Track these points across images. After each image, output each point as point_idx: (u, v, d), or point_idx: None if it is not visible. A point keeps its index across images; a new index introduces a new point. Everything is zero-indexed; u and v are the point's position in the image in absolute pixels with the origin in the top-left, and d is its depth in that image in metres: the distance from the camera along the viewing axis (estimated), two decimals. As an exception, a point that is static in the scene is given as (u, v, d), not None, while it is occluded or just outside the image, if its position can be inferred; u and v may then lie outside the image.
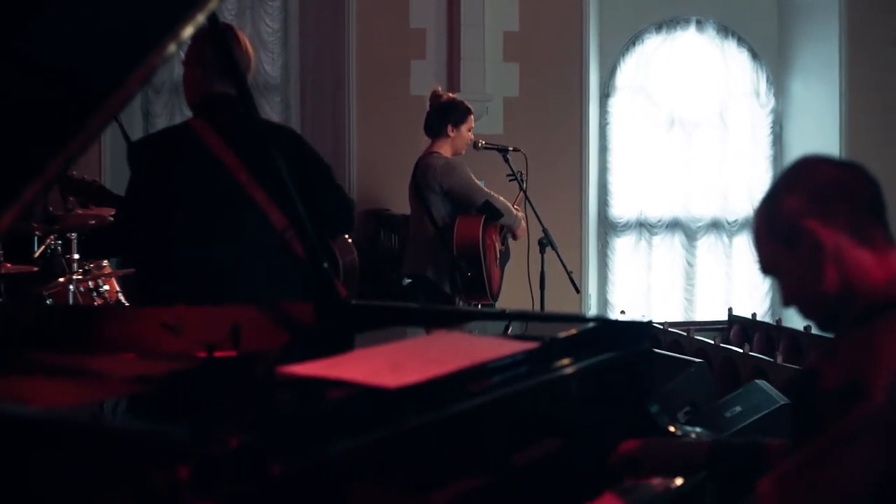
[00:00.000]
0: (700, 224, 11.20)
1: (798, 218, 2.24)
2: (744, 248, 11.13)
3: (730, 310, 9.65)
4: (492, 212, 6.29)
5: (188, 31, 2.58)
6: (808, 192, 2.26)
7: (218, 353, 2.88)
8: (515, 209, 6.63)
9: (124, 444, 1.83)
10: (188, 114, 4.49)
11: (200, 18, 2.63)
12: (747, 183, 11.19)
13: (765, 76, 11.32)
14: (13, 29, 2.50)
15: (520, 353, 2.55)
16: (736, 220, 11.25)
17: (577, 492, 2.55)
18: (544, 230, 6.51)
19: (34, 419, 2.04)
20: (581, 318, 3.03)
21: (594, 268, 10.89)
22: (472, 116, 6.50)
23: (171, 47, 2.54)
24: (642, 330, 3.04)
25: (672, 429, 2.96)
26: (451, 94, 6.64)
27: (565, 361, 2.68)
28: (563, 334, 2.77)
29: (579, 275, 10.15)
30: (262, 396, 2.20)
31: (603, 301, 11.05)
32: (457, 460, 2.26)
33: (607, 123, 11.06)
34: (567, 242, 9.64)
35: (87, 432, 1.91)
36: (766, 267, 2.34)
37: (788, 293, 2.33)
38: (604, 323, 3.02)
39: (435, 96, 6.54)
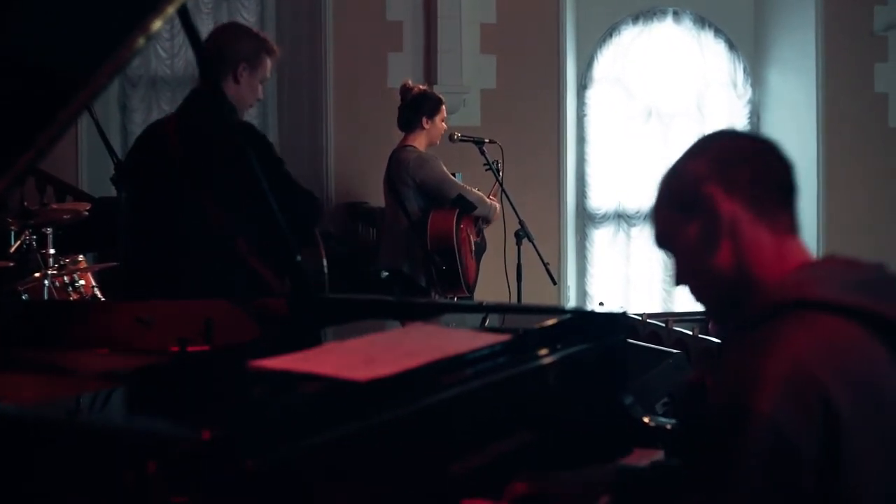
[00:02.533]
0: (678, 215, 11.20)
1: (698, 182, 2.12)
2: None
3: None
4: (465, 205, 6.30)
5: (158, 25, 2.57)
6: (712, 158, 2.14)
7: (191, 348, 2.88)
8: (491, 199, 6.62)
9: (94, 439, 1.82)
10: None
11: (170, 11, 2.62)
12: (725, 173, 11.17)
13: (742, 67, 11.33)
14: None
15: (494, 345, 2.54)
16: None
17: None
18: (521, 222, 6.51)
19: (3, 415, 2.03)
20: (556, 310, 3.02)
21: (573, 259, 10.89)
22: (444, 106, 6.51)
23: (141, 41, 2.54)
24: (617, 321, 3.03)
25: (646, 420, 2.96)
26: (420, 87, 6.64)
27: (539, 353, 2.68)
28: (536, 326, 2.77)
29: (558, 266, 10.15)
30: (234, 390, 2.19)
31: (582, 292, 11.06)
32: (430, 453, 2.25)
33: (585, 115, 11.06)
34: (545, 234, 9.65)
35: (57, 428, 1.89)
36: (661, 237, 2.23)
37: (681, 268, 2.21)
38: (579, 314, 3.00)
39: (405, 90, 6.55)
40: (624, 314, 3.08)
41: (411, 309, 3.32)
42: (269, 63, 4.59)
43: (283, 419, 1.91)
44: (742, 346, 2.03)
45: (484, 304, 3.16)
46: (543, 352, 2.70)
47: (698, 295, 2.22)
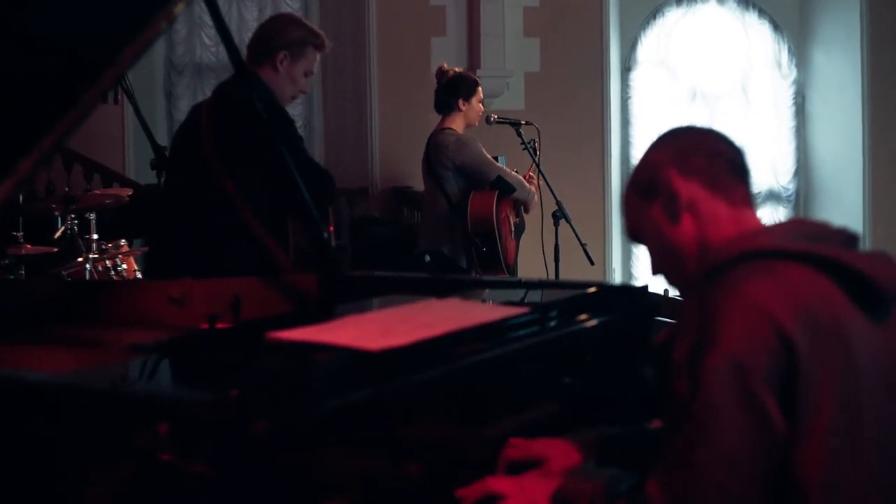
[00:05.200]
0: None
1: (656, 168, 2.30)
2: (766, 218, 11.10)
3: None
4: (504, 187, 6.31)
5: (180, 8, 2.64)
6: (670, 147, 2.32)
7: (220, 325, 2.95)
8: (529, 178, 6.64)
9: (108, 403, 1.88)
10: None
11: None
12: (770, 155, 11.15)
13: (786, 47, 11.27)
14: (13, 5, 2.57)
15: (512, 317, 2.59)
16: (759, 192, 11.20)
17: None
18: (558, 202, 6.53)
19: (28, 383, 2.10)
20: (577, 284, 3.05)
21: (618, 242, 10.89)
22: (481, 88, 6.52)
23: (163, 24, 2.61)
24: (639, 294, 3.07)
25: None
26: (456, 69, 6.64)
27: (558, 325, 2.72)
28: (556, 298, 2.80)
29: (603, 249, 10.17)
30: (250, 360, 2.25)
31: (627, 275, 11.05)
32: (444, 423, 2.30)
33: (629, 97, 11.06)
34: (590, 217, 9.67)
35: (74, 394, 1.97)
36: (631, 228, 2.39)
37: (653, 254, 2.36)
38: (600, 288, 3.03)
39: (441, 73, 6.56)
40: (645, 287, 3.11)
41: (436, 285, 3.37)
42: (314, 56, 4.60)
43: (294, 385, 1.96)
44: (699, 298, 2.15)
45: (506, 280, 3.18)
46: (563, 323, 2.74)
47: (671, 277, 2.37)
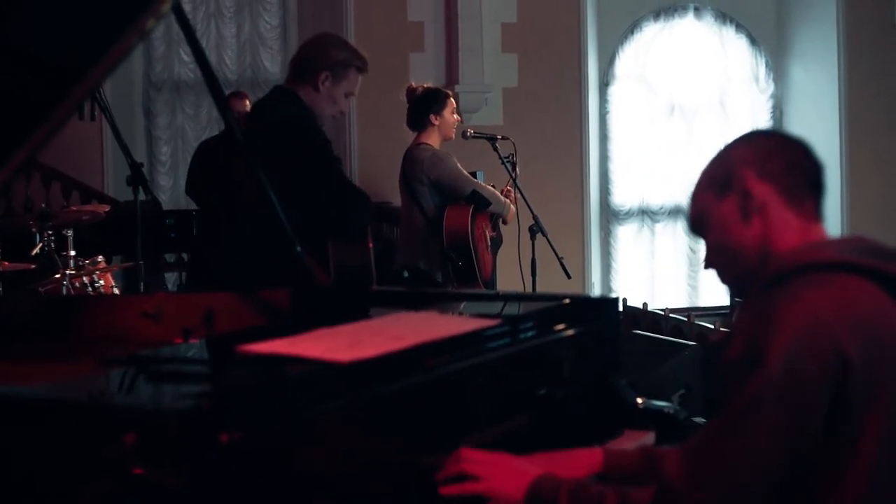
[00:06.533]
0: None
1: (736, 165, 2.28)
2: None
3: (732, 302, 9.66)
4: (480, 201, 6.32)
5: (151, 23, 2.65)
6: (751, 148, 2.31)
7: (193, 339, 2.96)
8: (507, 191, 6.66)
9: (75, 414, 1.89)
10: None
11: (164, 10, 2.70)
12: (748, 168, 11.17)
13: (764, 61, 11.35)
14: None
15: (483, 328, 2.61)
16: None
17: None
18: (535, 217, 6.54)
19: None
20: (548, 297, 3.07)
21: (597, 256, 10.93)
22: (452, 100, 6.53)
23: (135, 39, 2.62)
24: (609, 305, 3.09)
25: (639, 401, 3.01)
26: (424, 85, 6.66)
27: (528, 336, 2.74)
28: (527, 310, 2.82)
29: (582, 263, 10.20)
30: (219, 372, 2.26)
31: (607, 289, 11.08)
32: (412, 434, 2.31)
33: (607, 112, 11.11)
34: (569, 231, 9.70)
35: (43, 406, 1.97)
36: (695, 221, 2.36)
37: (711, 250, 2.35)
38: (572, 300, 3.05)
39: (410, 91, 6.57)
40: (616, 299, 3.13)
41: (411, 298, 3.38)
42: (356, 78, 4.63)
43: (262, 396, 1.97)
44: (759, 302, 2.16)
45: (480, 293, 3.20)
46: (534, 335, 2.76)
47: (724, 275, 2.37)
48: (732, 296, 2.44)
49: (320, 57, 4.55)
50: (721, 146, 2.40)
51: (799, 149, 2.32)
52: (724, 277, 2.37)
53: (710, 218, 2.32)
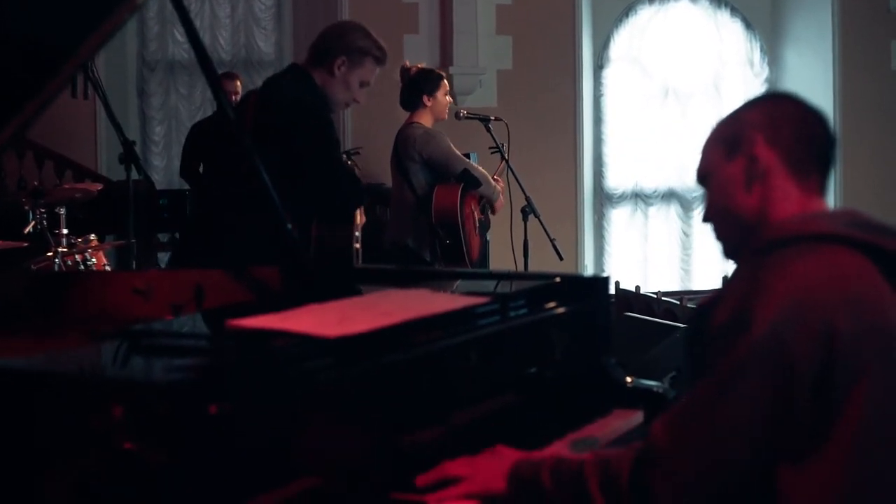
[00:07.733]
0: (695, 194, 11.21)
1: (746, 126, 2.28)
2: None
3: (724, 278, 9.67)
4: (470, 180, 6.33)
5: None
6: (766, 112, 2.29)
7: (183, 315, 2.96)
8: (495, 179, 6.67)
9: (65, 386, 1.89)
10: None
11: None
12: (742, 152, 11.17)
13: (758, 45, 11.34)
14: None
15: (473, 306, 2.61)
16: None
17: (529, 444, 2.57)
18: (527, 198, 6.56)
19: None
20: (539, 276, 3.07)
21: (590, 239, 10.93)
22: (445, 81, 6.55)
23: (126, 14, 2.62)
24: (599, 285, 3.09)
25: (628, 380, 3.02)
26: (419, 65, 6.68)
27: (520, 314, 2.74)
28: (516, 288, 2.82)
29: (575, 246, 10.21)
30: (208, 346, 2.26)
31: (600, 271, 11.08)
32: (401, 410, 2.32)
33: (601, 95, 11.10)
34: (563, 214, 9.70)
35: (31, 377, 1.98)
36: (702, 172, 2.36)
37: (711, 205, 2.35)
38: (561, 278, 3.06)
39: (404, 71, 6.59)
40: (606, 279, 3.14)
41: (402, 276, 3.39)
42: (372, 68, 4.62)
43: (252, 369, 1.98)
44: (750, 270, 2.17)
45: (466, 271, 3.21)
46: (524, 312, 2.76)
47: (719, 233, 2.37)
48: (724, 255, 2.42)
49: (340, 42, 4.55)
50: (740, 102, 2.40)
51: (813, 118, 2.30)
52: (719, 235, 2.37)
53: (715, 176, 2.33)
